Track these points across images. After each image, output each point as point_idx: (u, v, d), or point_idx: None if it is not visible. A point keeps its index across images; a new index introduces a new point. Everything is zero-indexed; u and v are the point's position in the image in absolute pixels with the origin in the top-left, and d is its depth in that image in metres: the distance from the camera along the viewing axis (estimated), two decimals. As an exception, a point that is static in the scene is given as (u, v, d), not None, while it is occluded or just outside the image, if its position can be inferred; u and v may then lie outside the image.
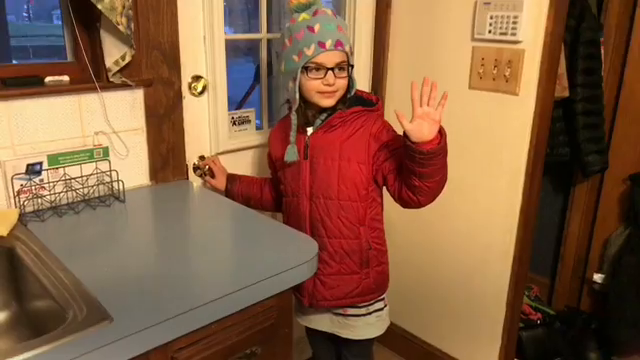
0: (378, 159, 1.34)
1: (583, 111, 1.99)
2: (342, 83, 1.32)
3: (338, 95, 1.33)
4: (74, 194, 1.33)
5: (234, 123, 1.73)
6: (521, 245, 1.83)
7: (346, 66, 1.31)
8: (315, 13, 1.28)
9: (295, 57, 1.29)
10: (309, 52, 1.27)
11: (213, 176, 1.62)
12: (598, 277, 2.26)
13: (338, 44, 1.27)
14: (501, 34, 1.68)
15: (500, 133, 1.77)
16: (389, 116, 1.42)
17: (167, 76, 1.47)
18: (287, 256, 1.11)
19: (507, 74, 1.71)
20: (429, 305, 2.11)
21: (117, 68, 1.33)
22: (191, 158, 1.61)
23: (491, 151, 1.81)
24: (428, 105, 1.16)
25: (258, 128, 1.82)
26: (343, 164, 1.35)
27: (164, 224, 1.30)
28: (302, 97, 1.33)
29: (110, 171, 1.38)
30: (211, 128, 1.64)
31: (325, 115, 1.37)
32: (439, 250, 2.02)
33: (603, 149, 2.07)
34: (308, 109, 1.37)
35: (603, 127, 2.11)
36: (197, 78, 1.57)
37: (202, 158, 1.65)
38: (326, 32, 1.27)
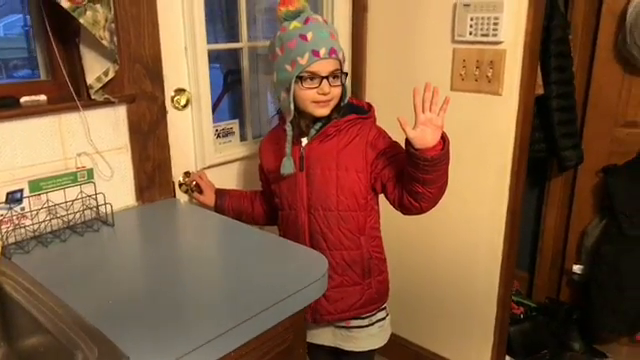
0: (376, 167, 1.32)
1: (558, 107, 2.04)
2: (337, 92, 1.29)
3: (333, 104, 1.31)
4: (59, 221, 1.24)
5: (218, 136, 1.67)
6: (509, 244, 1.86)
7: (340, 74, 1.29)
8: (307, 21, 1.25)
9: (288, 67, 1.26)
10: (303, 61, 1.23)
11: (201, 192, 1.56)
12: (577, 268, 2.33)
13: (332, 52, 1.25)
14: (482, 35, 1.70)
15: (485, 134, 1.79)
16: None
17: (150, 90, 1.40)
18: (299, 274, 1.07)
19: (489, 75, 1.73)
20: (420, 308, 2.10)
21: (100, 85, 1.25)
22: (177, 175, 1.55)
23: (477, 152, 1.82)
24: (430, 111, 1.15)
25: (242, 140, 1.76)
26: (341, 174, 1.32)
27: (159, 247, 1.23)
28: (296, 107, 1.30)
29: (96, 194, 1.30)
30: (196, 142, 1.58)
31: (319, 125, 1.34)
32: (429, 252, 2.02)
33: (578, 144, 2.13)
34: (302, 119, 1.34)
35: (576, 122, 2.17)
36: (180, 91, 1.51)
37: (187, 174, 1.58)
38: (320, 40, 1.24)
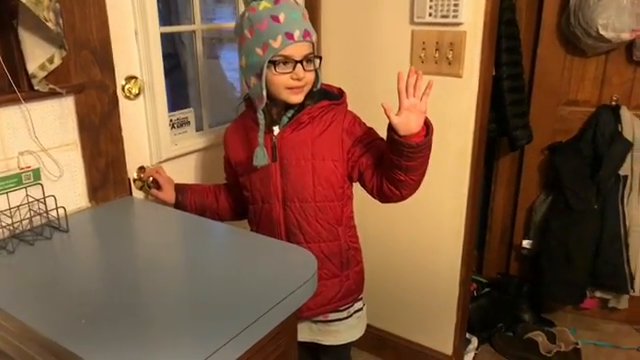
0: (353, 155, 1.27)
1: (509, 88, 2.07)
2: (310, 77, 1.22)
3: (306, 90, 1.24)
4: (4, 230, 1.09)
5: (172, 126, 1.55)
6: (470, 224, 1.88)
7: (313, 58, 1.21)
8: (277, 1, 1.16)
9: (259, 50, 1.17)
10: (276, 44, 1.15)
11: (158, 188, 1.44)
12: (526, 243, 2.42)
13: (306, 34, 1.17)
14: (442, 17, 1.68)
15: (446, 116, 1.78)
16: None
17: (100, 79, 1.25)
18: (287, 275, 1.00)
19: (450, 57, 1.72)
20: (383, 293, 2.10)
21: (44, 73, 1.10)
22: (131, 171, 1.41)
23: (438, 135, 1.76)
24: (414, 96, 1.11)
25: (198, 129, 1.64)
26: (317, 163, 1.26)
27: (122, 252, 1.10)
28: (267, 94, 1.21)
29: (44, 197, 1.15)
30: (151, 134, 1.44)
31: (292, 112, 1.26)
32: (391, 236, 2.00)
33: (527, 123, 2.19)
34: (273, 106, 1.26)
35: (526, 102, 2.22)
36: (131, 79, 1.37)
37: (142, 169, 1.45)
38: (293, 22, 1.15)
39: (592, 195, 2.13)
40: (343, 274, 1.35)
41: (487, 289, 2.46)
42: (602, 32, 1.93)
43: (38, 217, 1.15)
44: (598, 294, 2.30)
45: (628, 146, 2.09)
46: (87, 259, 1.11)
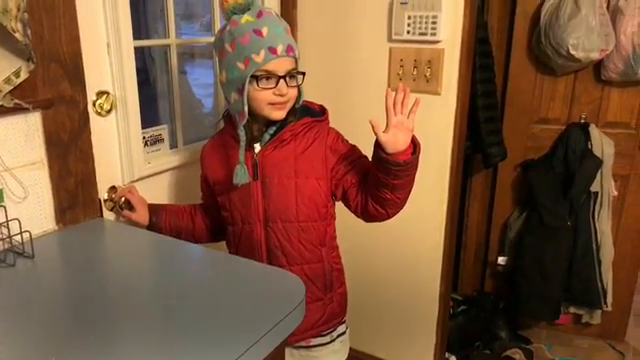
0: (337, 172, 1.23)
1: (483, 106, 2.09)
2: (293, 93, 1.18)
3: (289, 106, 1.19)
4: (-38, 257, 1.00)
5: (146, 144, 1.48)
6: (449, 241, 1.87)
7: (296, 73, 1.18)
8: (260, 14, 1.13)
9: (240, 65, 1.12)
10: (258, 59, 1.11)
11: (131, 209, 1.36)
12: (502, 259, 2.42)
13: (289, 49, 1.13)
14: (420, 34, 1.68)
15: (425, 134, 1.73)
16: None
17: (70, 94, 1.18)
18: (274, 302, 0.95)
19: (428, 74, 1.72)
20: (363, 313, 2.05)
21: (9, 87, 1.03)
22: (103, 191, 1.33)
23: None
24: (402, 113, 1.09)
25: (172, 147, 1.58)
26: (300, 182, 1.22)
27: (94, 279, 1.02)
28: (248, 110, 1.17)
29: (7, 221, 1.06)
30: (123, 152, 1.37)
31: (274, 129, 1.22)
32: (370, 255, 1.97)
33: (502, 140, 2.21)
34: (254, 123, 1.21)
35: (500, 120, 2.25)
36: (102, 94, 1.30)
37: (114, 189, 1.37)
38: (276, 36, 1.12)
39: (565, 211, 2.16)
40: (327, 297, 1.30)
41: (463, 307, 2.45)
42: (572, 52, 1.97)
43: (0, 242, 1.06)
44: (572, 309, 2.31)
45: (598, 163, 2.13)
46: (54, 287, 1.02)
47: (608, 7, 2.02)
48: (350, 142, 1.29)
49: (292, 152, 1.21)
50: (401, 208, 1.21)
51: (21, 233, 1.07)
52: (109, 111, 1.32)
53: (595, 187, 2.16)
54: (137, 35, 1.74)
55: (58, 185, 1.19)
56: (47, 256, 1.11)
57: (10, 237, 1.07)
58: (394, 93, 1.09)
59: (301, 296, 0.95)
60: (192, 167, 1.52)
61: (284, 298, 0.95)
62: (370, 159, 1.19)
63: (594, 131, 2.17)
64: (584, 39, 1.95)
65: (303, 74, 1.19)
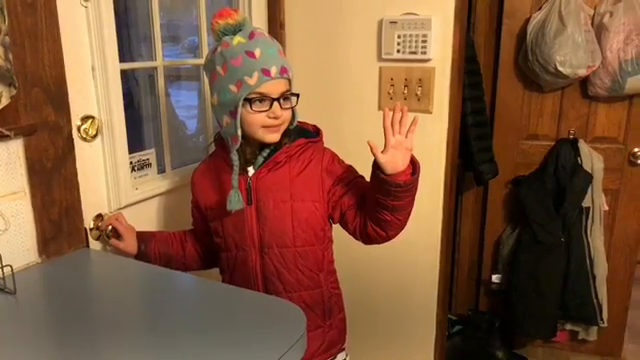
0: (334, 194, 1.20)
1: (473, 123, 2.09)
2: (287, 115, 1.15)
3: (283, 128, 1.16)
4: (-62, 296, 0.93)
5: (133, 169, 1.43)
6: (445, 261, 1.84)
7: (290, 95, 1.15)
8: (252, 35, 1.10)
9: (233, 87, 1.09)
10: (251, 81, 1.07)
11: (118, 237, 1.30)
12: (496, 277, 2.39)
13: (283, 71, 1.11)
14: (411, 53, 1.67)
15: (417, 152, 1.72)
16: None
17: (53, 119, 1.13)
18: (274, 335, 0.89)
19: (419, 93, 1.70)
20: (358, 337, 2.00)
21: (-10, 114, 0.97)
22: (88, 219, 1.28)
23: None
24: (400, 133, 1.06)
25: (160, 172, 1.53)
26: (297, 205, 1.18)
27: (81, 314, 0.96)
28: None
29: (-12, 254, 1.00)
30: (109, 179, 1.32)
31: (268, 151, 1.18)
32: (365, 277, 1.92)
33: (492, 157, 2.20)
34: (247, 146, 1.17)
35: (490, 137, 2.24)
36: (87, 119, 1.25)
37: (100, 217, 1.32)
38: (269, 58, 1.09)
39: (558, 228, 2.15)
40: (326, 324, 1.25)
41: (459, 327, 2.41)
42: (560, 68, 1.98)
43: (-21, 278, 1.00)
44: (568, 327, 2.29)
45: (589, 178, 2.13)
46: (37, 324, 0.96)
47: (592, 24, 2.04)
48: (345, 163, 1.26)
49: (287, 175, 1.18)
50: (402, 229, 1.18)
51: (2, 267, 1.01)
52: (94, 136, 1.27)
53: (587, 202, 2.16)
54: (122, 58, 1.70)
55: (41, 215, 1.13)
56: (30, 291, 1.04)
57: (-10, 272, 1.01)
58: (392, 113, 1.06)
59: (302, 328, 0.90)
60: (181, 192, 1.47)
61: (284, 330, 0.91)
62: (367, 179, 1.16)
63: (583, 146, 2.17)
64: (571, 56, 1.96)
65: (297, 95, 1.16)
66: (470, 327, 2.37)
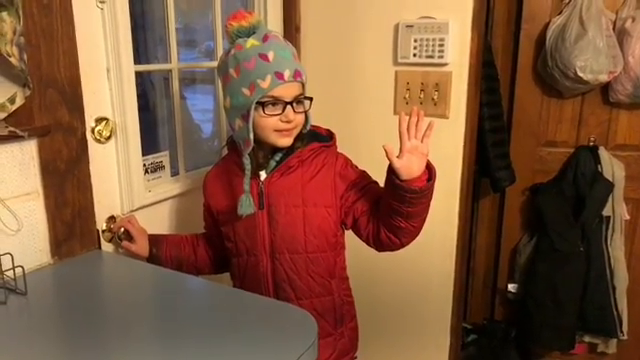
0: (347, 200, 1.18)
1: (490, 129, 2.05)
2: (300, 119, 1.14)
3: (296, 132, 1.15)
4: (-51, 296, 0.94)
5: (146, 171, 1.43)
6: (460, 268, 1.80)
7: (303, 99, 1.13)
8: (265, 38, 1.09)
9: (246, 90, 1.08)
10: (264, 84, 1.06)
11: (130, 239, 1.30)
12: (512, 286, 2.35)
13: (297, 74, 1.09)
14: (427, 57, 1.64)
15: (433, 158, 1.71)
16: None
17: (68, 120, 1.13)
18: (284, 343, 0.88)
19: (435, 97, 1.68)
20: (370, 343, 1.97)
21: (4, 115, 0.98)
22: (101, 221, 1.27)
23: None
24: (415, 137, 1.04)
25: (173, 174, 1.53)
26: (309, 210, 1.16)
27: (92, 317, 0.96)
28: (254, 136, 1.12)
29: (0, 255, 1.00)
30: (122, 181, 1.32)
31: (280, 155, 1.17)
32: (379, 283, 1.90)
33: (510, 164, 2.16)
34: (260, 150, 1.16)
35: (508, 143, 2.20)
36: (101, 120, 1.25)
37: (112, 219, 1.31)
38: (283, 61, 1.08)
39: (577, 237, 2.10)
40: (337, 332, 1.23)
41: (474, 336, 2.37)
42: (580, 74, 1.94)
43: (-9, 278, 1.00)
44: (587, 338, 2.23)
45: (609, 187, 2.08)
46: (48, 326, 0.95)
47: (614, 28, 1.99)
48: (358, 167, 1.24)
49: (299, 179, 1.16)
50: (416, 237, 1.15)
51: (13, 268, 1.01)
52: (108, 138, 1.27)
53: (607, 211, 2.11)
54: (137, 60, 1.70)
55: (54, 216, 1.13)
56: (41, 292, 1.04)
57: (2, 272, 1.01)
58: (408, 117, 1.04)
59: (313, 335, 0.89)
60: (194, 195, 1.47)
61: (295, 338, 0.89)
62: (382, 185, 1.14)
63: (604, 154, 2.12)
64: (592, 61, 1.92)
65: (310, 99, 1.14)
66: (485, 336, 2.32)
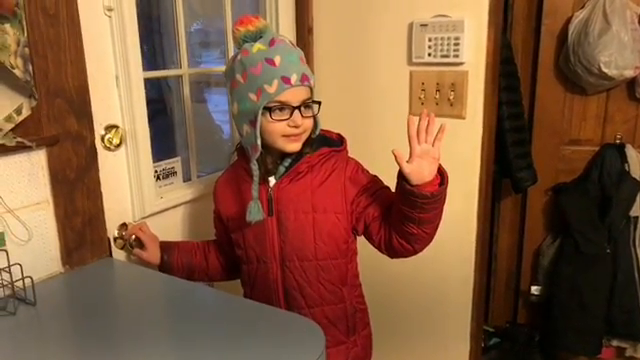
0: (358, 206, 1.15)
1: (510, 128, 2.00)
2: (309, 124, 1.11)
3: (304, 137, 1.12)
4: (-41, 307, 0.94)
5: (157, 177, 1.42)
6: (479, 273, 1.75)
7: (312, 103, 1.11)
8: (272, 43, 1.06)
9: (253, 96, 1.06)
10: (271, 89, 1.04)
11: (142, 247, 1.29)
12: (535, 289, 2.28)
13: (304, 78, 1.07)
14: (442, 56, 1.60)
15: (450, 160, 1.63)
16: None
17: (76, 129, 1.13)
18: (293, 353, 0.86)
19: (451, 98, 1.63)
20: (388, 349, 1.94)
21: (11, 125, 0.98)
22: (111, 229, 1.27)
23: None
24: (426, 141, 1.00)
25: (185, 180, 1.52)
26: (318, 217, 1.13)
27: (103, 327, 0.95)
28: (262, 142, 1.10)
29: (9, 266, 1.00)
30: (133, 188, 1.31)
31: (289, 161, 1.15)
32: (395, 288, 1.86)
33: (531, 164, 2.10)
34: (268, 155, 1.14)
35: (528, 143, 2.14)
36: (111, 128, 1.25)
37: (124, 226, 1.31)
38: (289, 65, 1.05)
39: (603, 238, 2.03)
40: (350, 340, 1.20)
41: (496, 339, 2.31)
42: (605, 70, 1.87)
43: (1, 289, 1.00)
44: (614, 343, 2.16)
45: (637, 186, 2.00)
46: (58, 338, 0.95)
47: (639, 22, 1.92)
48: (370, 172, 1.21)
49: (309, 185, 1.14)
50: (429, 243, 1.12)
51: (23, 279, 1.01)
52: (118, 145, 1.27)
53: (634, 211, 2.03)
54: (154, 64, 1.70)
55: (64, 225, 1.14)
56: (51, 302, 1.04)
57: (12, 283, 1.01)
58: (417, 120, 1.00)
59: (321, 347, 0.86)
60: (207, 201, 1.45)
61: (302, 349, 0.87)
62: (393, 190, 1.10)
63: (631, 152, 2.05)
64: (617, 56, 1.85)
65: (319, 103, 1.12)
66: (508, 340, 2.27)
